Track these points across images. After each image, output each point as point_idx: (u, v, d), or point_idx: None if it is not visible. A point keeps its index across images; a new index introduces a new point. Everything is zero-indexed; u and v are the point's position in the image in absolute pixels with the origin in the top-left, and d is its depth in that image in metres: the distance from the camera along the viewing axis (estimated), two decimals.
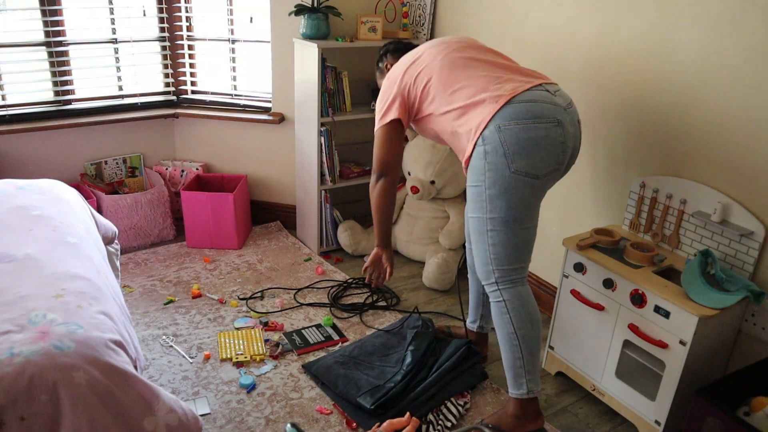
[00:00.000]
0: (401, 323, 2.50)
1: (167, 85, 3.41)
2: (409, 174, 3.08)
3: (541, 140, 1.71)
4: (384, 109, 2.01)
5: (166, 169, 3.43)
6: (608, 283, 2.01)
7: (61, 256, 1.65)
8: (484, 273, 1.87)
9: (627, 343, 2.01)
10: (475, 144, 1.77)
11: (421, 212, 3.13)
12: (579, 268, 2.11)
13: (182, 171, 3.43)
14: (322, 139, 2.98)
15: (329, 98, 2.98)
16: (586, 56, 2.37)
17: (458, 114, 1.84)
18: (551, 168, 1.76)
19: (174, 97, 3.43)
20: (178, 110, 3.35)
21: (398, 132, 2.03)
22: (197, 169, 3.43)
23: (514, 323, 1.85)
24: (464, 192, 3.11)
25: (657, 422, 1.92)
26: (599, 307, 2.06)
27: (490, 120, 1.73)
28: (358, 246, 3.18)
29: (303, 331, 2.49)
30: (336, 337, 2.46)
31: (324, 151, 3.01)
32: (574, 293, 2.14)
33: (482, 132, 1.75)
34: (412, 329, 2.40)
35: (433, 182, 2.99)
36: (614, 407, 2.08)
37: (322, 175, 3.08)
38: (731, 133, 1.92)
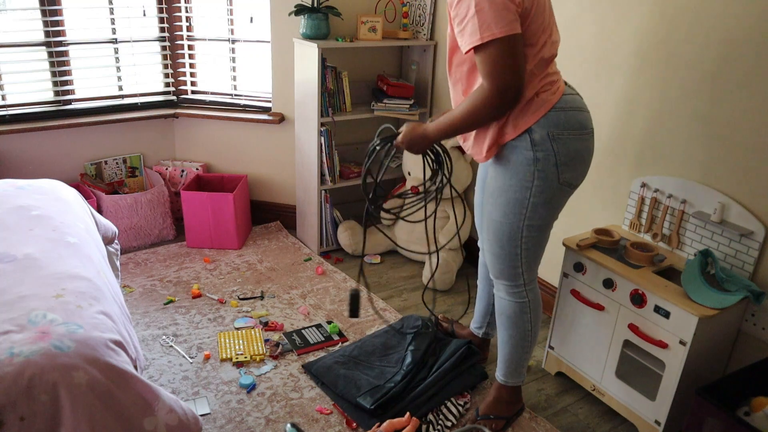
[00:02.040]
0: (401, 323, 2.50)
1: (167, 85, 3.41)
2: (409, 174, 3.08)
3: (584, 152, 1.73)
4: (500, 18, 1.48)
5: (166, 169, 3.43)
6: (608, 283, 2.01)
7: (61, 256, 1.65)
8: (510, 275, 1.86)
9: (627, 343, 2.00)
10: (516, 140, 1.69)
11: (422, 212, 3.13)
12: (579, 268, 2.11)
13: (182, 171, 3.43)
14: (322, 139, 2.98)
15: (329, 98, 2.98)
16: (586, 55, 2.37)
17: (541, 66, 1.66)
18: (583, 178, 1.80)
19: (174, 97, 3.43)
20: (178, 110, 3.35)
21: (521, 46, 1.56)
22: (197, 169, 3.43)
23: (533, 322, 1.93)
24: (465, 192, 3.11)
25: (657, 422, 1.92)
26: (599, 307, 2.06)
27: (539, 121, 1.66)
28: (358, 246, 3.18)
29: (303, 331, 2.49)
30: (336, 337, 2.46)
31: (324, 151, 3.01)
32: (574, 293, 2.14)
33: (531, 131, 1.66)
34: (412, 329, 2.40)
35: None
36: (614, 407, 2.08)
37: (322, 175, 3.08)
38: (731, 134, 1.92)
